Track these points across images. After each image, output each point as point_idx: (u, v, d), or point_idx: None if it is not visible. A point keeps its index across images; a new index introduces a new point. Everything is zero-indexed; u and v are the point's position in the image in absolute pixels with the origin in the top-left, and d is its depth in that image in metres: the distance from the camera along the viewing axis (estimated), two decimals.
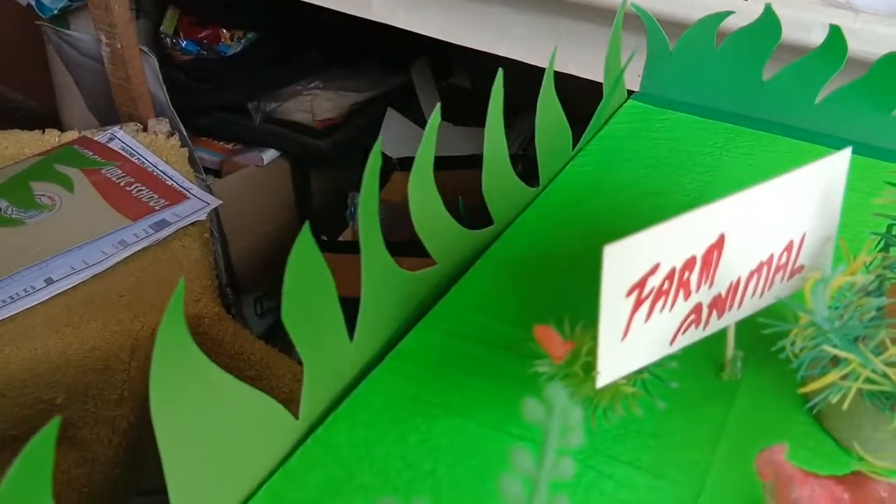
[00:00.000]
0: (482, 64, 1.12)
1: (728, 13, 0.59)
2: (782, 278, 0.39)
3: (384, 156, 1.37)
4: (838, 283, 0.35)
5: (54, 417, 0.25)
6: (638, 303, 0.34)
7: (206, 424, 0.31)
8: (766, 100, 0.61)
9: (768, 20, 0.57)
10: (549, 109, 0.52)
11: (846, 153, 0.38)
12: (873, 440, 0.35)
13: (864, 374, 0.32)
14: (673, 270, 0.34)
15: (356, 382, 0.40)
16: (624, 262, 0.32)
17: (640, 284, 0.33)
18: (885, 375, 0.32)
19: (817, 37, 0.65)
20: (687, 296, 0.36)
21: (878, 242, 0.40)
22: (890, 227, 0.41)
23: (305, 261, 0.31)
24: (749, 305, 0.39)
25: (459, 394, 0.40)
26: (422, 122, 1.40)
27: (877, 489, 0.30)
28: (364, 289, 0.38)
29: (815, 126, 0.61)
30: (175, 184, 0.95)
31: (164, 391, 0.29)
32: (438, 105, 0.39)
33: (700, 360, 0.41)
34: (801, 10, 0.67)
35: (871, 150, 0.58)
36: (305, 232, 0.29)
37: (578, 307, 0.38)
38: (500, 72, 0.44)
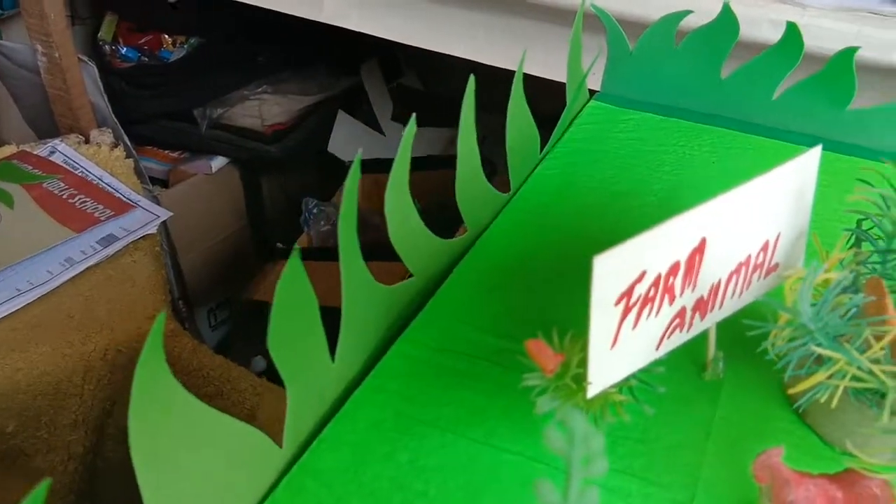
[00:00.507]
0: (432, 64, 1.11)
1: (687, 12, 0.60)
2: (759, 277, 0.40)
3: (336, 159, 1.35)
4: (820, 281, 0.36)
5: (42, 480, 0.24)
6: (626, 311, 0.33)
7: (189, 461, 0.30)
8: (726, 97, 0.62)
9: (726, 19, 0.58)
10: (518, 114, 0.51)
11: (816, 151, 0.38)
12: (858, 435, 0.36)
13: (850, 372, 0.33)
14: (659, 277, 0.34)
15: (340, 404, 0.39)
16: (612, 271, 0.32)
17: (628, 293, 0.33)
18: (870, 373, 0.33)
19: (766, 33, 0.66)
20: (672, 300, 0.36)
21: (850, 238, 0.41)
22: (859, 222, 0.41)
23: (294, 287, 0.29)
24: (729, 306, 0.39)
25: (446, 409, 0.39)
26: (373, 124, 1.38)
27: (870, 486, 0.31)
28: (345, 307, 0.37)
29: (773, 122, 0.62)
30: (122, 196, 0.92)
31: (144, 428, 0.27)
32: (413, 116, 0.38)
33: (682, 362, 0.41)
34: (749, 6, 0.68)
35: (829, 144, 0.59)
36: (294, 259, 0.27)
37: (556, 313, 0.38)
38: (472, 78, 0.43)
